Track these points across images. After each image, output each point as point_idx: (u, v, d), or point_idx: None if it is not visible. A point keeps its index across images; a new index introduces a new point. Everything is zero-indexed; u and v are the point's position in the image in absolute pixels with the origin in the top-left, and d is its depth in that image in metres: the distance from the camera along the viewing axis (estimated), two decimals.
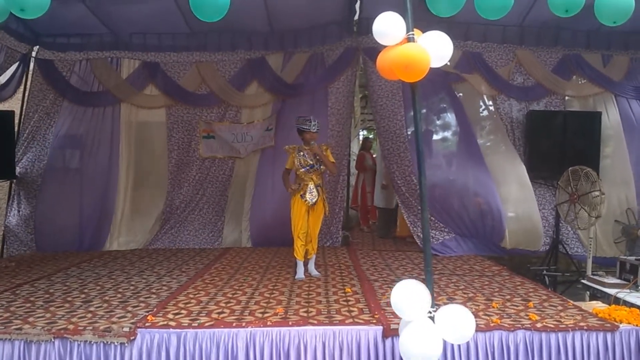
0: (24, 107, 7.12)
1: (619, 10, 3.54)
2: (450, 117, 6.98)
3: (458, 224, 6.64)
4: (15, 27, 6.40)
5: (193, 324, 3.39)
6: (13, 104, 7.04)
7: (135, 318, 3.53)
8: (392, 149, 6.78)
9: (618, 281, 4.70)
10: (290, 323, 3.42)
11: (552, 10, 3.62)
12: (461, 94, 6.99)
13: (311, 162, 4.99)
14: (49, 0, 3.23)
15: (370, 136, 14.24)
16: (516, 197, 6.55)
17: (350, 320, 3.51)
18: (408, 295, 2.63)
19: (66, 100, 7.11)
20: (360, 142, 10.66)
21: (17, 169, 6.92)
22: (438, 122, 7.07)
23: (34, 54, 7.09)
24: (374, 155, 9.52)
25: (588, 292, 4.86)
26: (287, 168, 5.15)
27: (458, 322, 2.58)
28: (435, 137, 7.07)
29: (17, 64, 6.79)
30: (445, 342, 2.67)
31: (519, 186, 6.55)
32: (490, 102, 7.00)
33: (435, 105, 7.04)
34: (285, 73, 7.11)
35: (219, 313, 3.68)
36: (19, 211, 6.99)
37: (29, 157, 7.01)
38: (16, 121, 6.98)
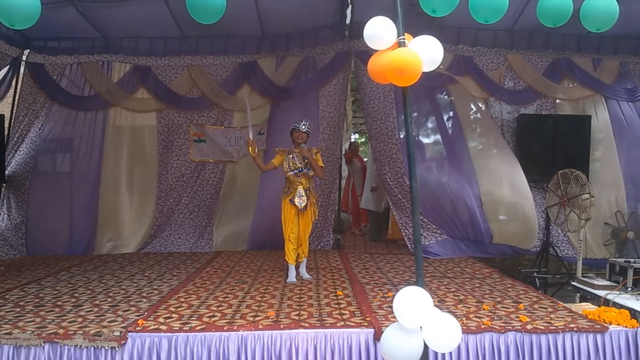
0: (14, 111, 7.07)
1: (603, 17, 3.61)
2: (440, 120, 7.00)
3: (450, 226, 6.65)
4: (6, 31, 6.36)
5: (184, 328, 3.38)
6: (3, 108, 7.01)
7: (126, 322, 3.51)
8: (384, 151, 6.78)
9: (608, 283, 4.73)
10: (281, 326, 3.42)
11: (542, 22, 3.67)
12: (453, 97, 7.02)
13: (300, 166, 4.99)
14: (37, 12, 3.25)
15: (362, 139, 14.26)
16: (509, 197, 6.52)
17: (342, 323, 3.51)
18: (411, 302, 2.57)
19: (56, 104, 7.08)
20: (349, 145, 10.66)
21: (7, 173, 6.86)
22: (429, 125, 7.09)
23: (24, 57, 7.05)
24: (365, 160, 9.53)
25: (578, 294, 4.89)
26: (272, 162, 5.09)
27: (444, 330, 2.56)
28: (426, 139, 7.10)
29: (7, 67, 6.75)
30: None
31: (512, 186, 6.51)
32: (482, 105, 7.02)
33: (426, 108, 7.07)
34: (277, 76, 7.12)
35: (210, 317, 3.67)
36: (8, 215, 6.94)
37: (17, 161, 6.96)
38: (6, 125, 6.95)
